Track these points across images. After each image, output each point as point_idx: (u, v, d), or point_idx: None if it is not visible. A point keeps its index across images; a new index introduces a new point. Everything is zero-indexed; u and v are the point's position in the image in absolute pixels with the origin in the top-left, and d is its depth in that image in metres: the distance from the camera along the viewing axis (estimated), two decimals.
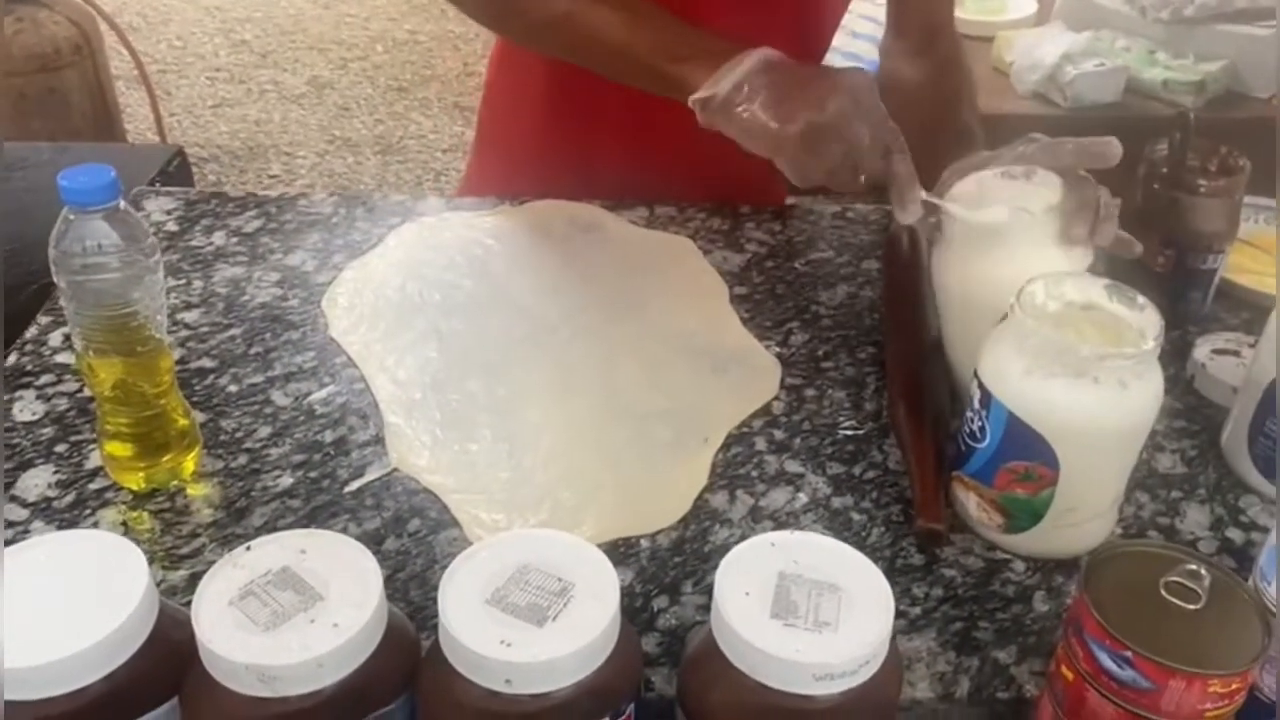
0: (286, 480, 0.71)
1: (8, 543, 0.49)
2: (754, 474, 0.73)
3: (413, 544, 0.66)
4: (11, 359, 0.80)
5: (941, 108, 0.94)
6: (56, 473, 0.71)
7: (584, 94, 0.92)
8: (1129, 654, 0.48)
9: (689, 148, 0.83)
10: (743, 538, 0.51)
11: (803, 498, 0.71)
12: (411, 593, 0.63)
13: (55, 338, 0.83)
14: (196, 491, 0.70)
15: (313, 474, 0.71)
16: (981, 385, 0.65)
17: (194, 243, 0.95)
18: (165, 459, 0.69)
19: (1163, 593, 0.50)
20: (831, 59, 1.87)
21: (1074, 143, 0.73)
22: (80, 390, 0.77)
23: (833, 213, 1.04)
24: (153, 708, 0.47)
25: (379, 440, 0.74)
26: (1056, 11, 2.07)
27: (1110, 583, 0.51)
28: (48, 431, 0.74)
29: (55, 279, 0.62)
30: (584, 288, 0.90)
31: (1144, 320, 0.63)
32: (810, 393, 0.80)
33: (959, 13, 2.11)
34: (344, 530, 0.67)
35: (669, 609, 0.63)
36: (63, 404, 0.76)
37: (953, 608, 0.64)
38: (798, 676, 0.44)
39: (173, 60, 3.57)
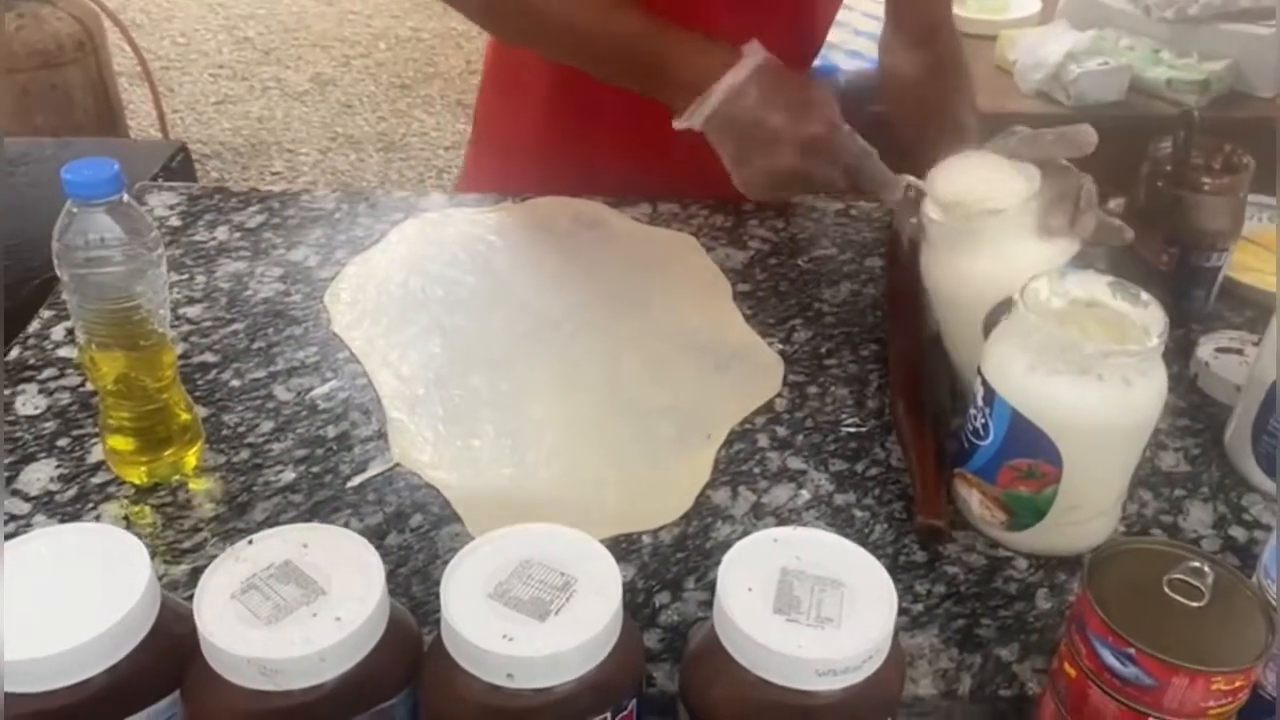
0: (289, 475, 0.71)
1: (9, 536, 0.49)
2: (756, 471, 0.73)
3: (415, 539, 0.66)
4: (14, 353, 0.81)
5: (940, 103, 0.94)
6: (59, 467, 0.71)
7: (583, 90, 0.92)
8: (1132, 651, 0.48)
9: (688, 145, 0.83)
10: (745, 534, 0.51)
11: (805, 494, 0.71)
12: (414, 588, 0.63)
13: (58, 332, 0.83)
14: (198, 486, 0.70)
15: (315, 469, 0.71)
16: (985, 382, 0.65)
17: (197, 238, 0.95)
18: (167, 453, 0.69)
19: (1166, 590, 0.50)
20: (835, 58, 1.87)
21: (1053, 132, 0.74)
22: (83, 384, 0.77)
23: (836, 210, 1.04)
24: (154, 701, 0.47)
25: (381, 435, 0.74)
26: (1060, 10, 2.06)
27: (1113, 580, 0.51)
28: (50, 425, 0.74)
29: (58, 272, 0.62)
30: (587, 284, 0.90)
31: (1148, 317, 0.63)
32: (813, 390, 0.80)
33: (962, 11, 2.12)
34: (346, 525, 0.67)
35: (671, 605, 0.63)
36: (65, 398, 0.76)
37: (955, 605, 0.64)
38: (800, 672, 0.44)
39: (176, 57, 3.57)
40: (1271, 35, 1.83)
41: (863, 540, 0.66)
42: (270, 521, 0.67)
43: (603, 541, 0.50)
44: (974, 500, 0.68)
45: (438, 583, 0.47)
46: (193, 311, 0.86)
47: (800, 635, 0.45)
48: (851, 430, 0.77)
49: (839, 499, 0.71)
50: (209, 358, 0.81)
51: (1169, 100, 1.82)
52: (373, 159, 3.11)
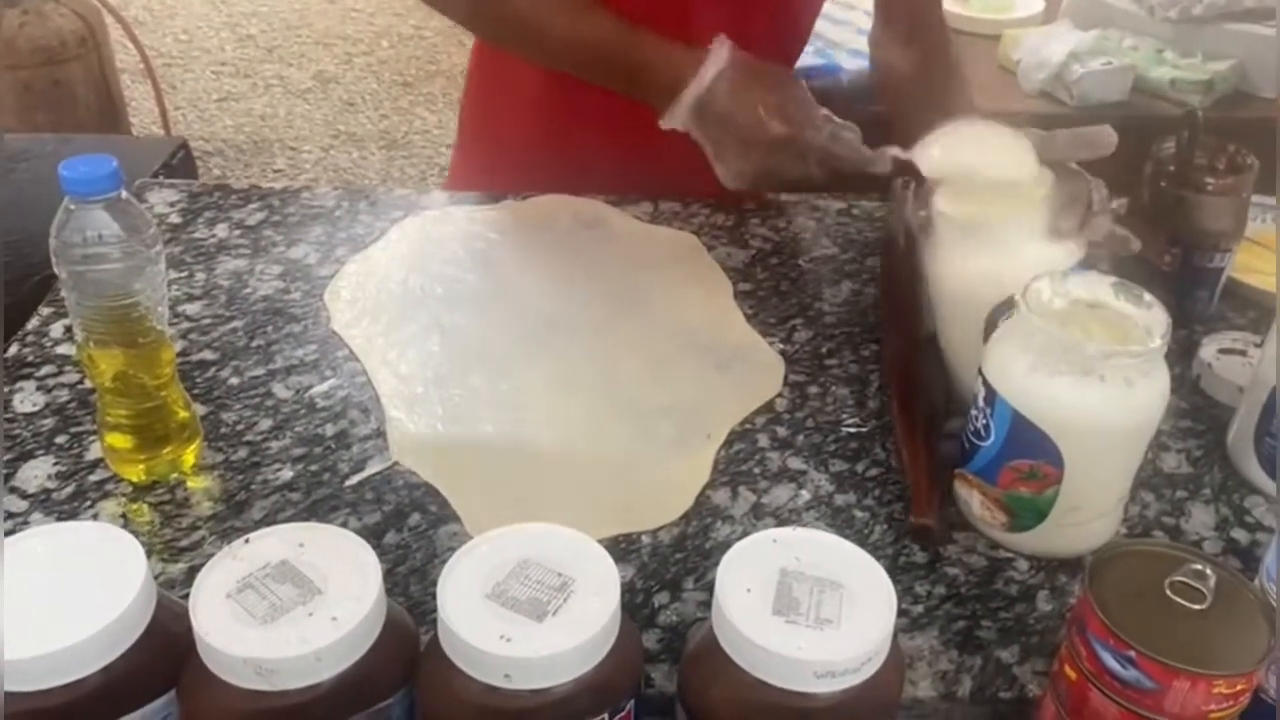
0: (287, 473, 0.71)
1: (6, 534, 0.49)
2: (756, 471, 0.72)
3: (413, 538, 0.66)
4: (13, 350, 0.80)
5: (937, 96, 0.94)
6: (57, 464, 0.71)
7: (572, 89, 0.92)
8: (1133, 654, 0.47)
9: (677, 143, 0.84)
10: (744, 534, 0.51)
11: (805, 495, 0.71)
12: (411, 587, 0.63)
13: (57, 329, 0.83)
14: (196, 484, 0.70)
15: (313, 467, 0.71)
16: (986, 383, 0.64)
17: (197, 235, 0.95)
18: (165, 451, 0.69)
19: (1168, 593, 0.50)
20: (838, 57, 1.86)
21: (1067, 133, 0.74)
22: (81, 382, 0.77)
23: (837, 209, 1.03)
24: (150, 700, 0.47)
25: (380, 434, 0.74)
26: (1064, 10, 2.06)
27: (1114, 582, 0.50)
28: (48, 423, 0.74)
29: (56, 269, 0.62)
30: (587, 283, 0.89)
31: (1151, 318, 0.63)
32: (813, 390, 0.80)
33: (966, 11, 2.11)
34: (344, 524, 0.66)
35: (670, 605, 0.63)
36: (63, 395, 0.76)
37: (955, 606, 0.64)
38: (799, 674, 0.44)
39: (178, 54, 3.57)
40: (1275, 36, 1.82)
41: (863, 541, 0.66)
42: (268, 520, 0.67)
43: (602, 541, 0.49)
44: (975, 501, 0.67)
45: (435, 582, 0.47)
46: (192, 309, 0.85)
47: (799, 637, 0.45)
48: (852, 430, 0.76)
49: (839, 499, 0.71)
50: (208, 355, 0.81)
51: (1172, 100, 1.82)
52: (375, 156, 3.11)
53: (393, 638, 0.47)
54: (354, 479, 0.70)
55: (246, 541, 0.49)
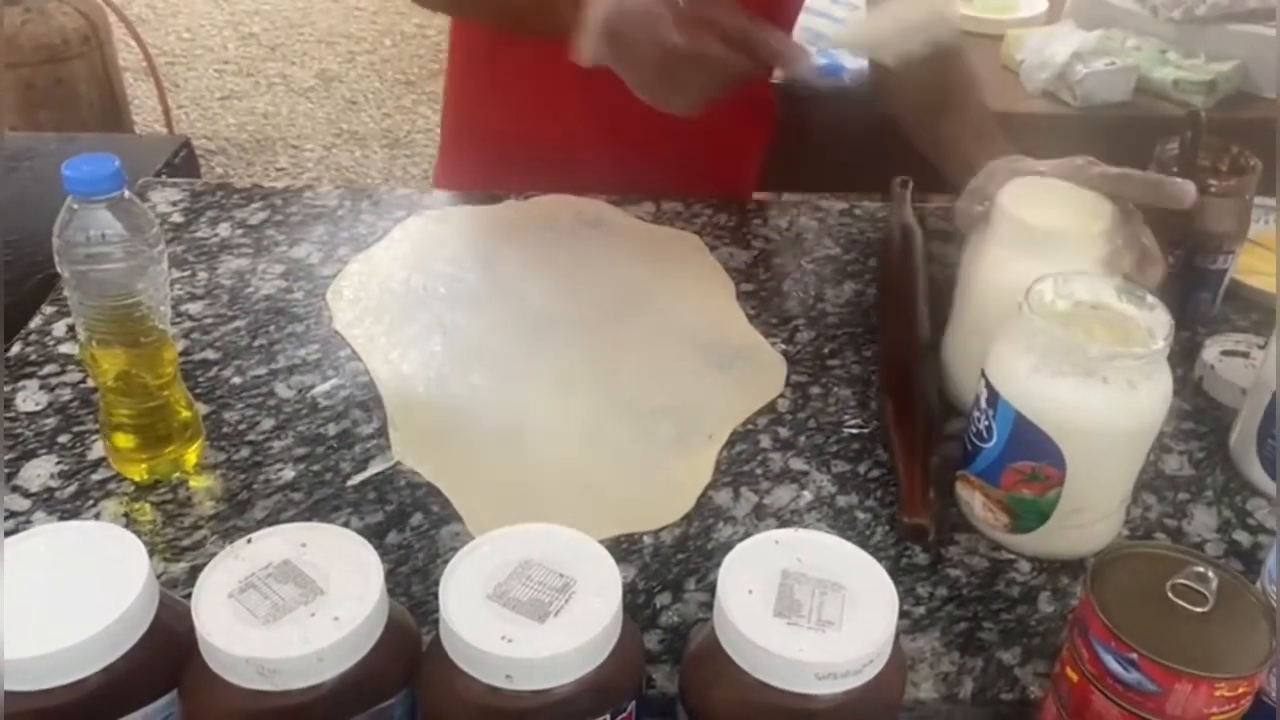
0: (289, 473, 0.71)
1: (8, 533, 0.49)
2: (758, 471, 0.72)
3: (415, 538, 0.66)
4: (15, 349, 0.80)
5: (950, 92, 0.93)
6: (59, 463, 0.71)
7: (552, 85, 0.91)
8: (1134, 656, 0.47)
9: (672, 141, 0.82)
10: (746, 535, 0.51)
11: (807, 496, 0.71)
12: (413, 587, 0.63)
13: (59, 328, 0.83)
14: (198, 484, 0.70)
15: (315, 467, 0.71)
16: (989, 384, 0.64)
17: (199, 234, 0.95)
18: (168, 450, 0.69)
19: (1169, 595, 0.50)
20: (841, 57, 1.86)
21: (1142, 176, 0.72)
22: (83, 381, 0.77)
23: (840, 209, 1.03)
24: (152, 700, 0.47)
25: (382, 434, 0.74)
26: (1067, 10, 2.06)
27: (1116, 584, 0.50)
28: (50, 422, 0.74)
29: (59, 269, 0.62)
30: (589, 283, 0.89)
31: (1154, 320, 0.63)
32: (816, 390, 0.80)
33: (969, 11, 2.11)
34: (346, 524, 0.67)
35: (671, 606, 0.63)
36: (66, 394, 0.76)
37: (957, 608, 0.64)
38: (800, 675, 0.44)
39: (181, 52, 3.57)
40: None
41: (864, 542, 0.66)
42: (270, 519, 0.67)
43: (603, 542, 0.49)
44: (977, 503, 0.67)
45: (437, 582, 0.47)
46: (194, 308, 0.85)
47: (801, 638, 0.45)
48: (854, 431, 0.76)
49: (841, 500, 0.71)
50: (210, 355, 0.81)
51: (1176, 101, 1.81)
52: (377, 155, 3.11)
53: (394, 638, 0.47)
54: (356, 479, 0.70)
55: (249, 541, 0.49)
